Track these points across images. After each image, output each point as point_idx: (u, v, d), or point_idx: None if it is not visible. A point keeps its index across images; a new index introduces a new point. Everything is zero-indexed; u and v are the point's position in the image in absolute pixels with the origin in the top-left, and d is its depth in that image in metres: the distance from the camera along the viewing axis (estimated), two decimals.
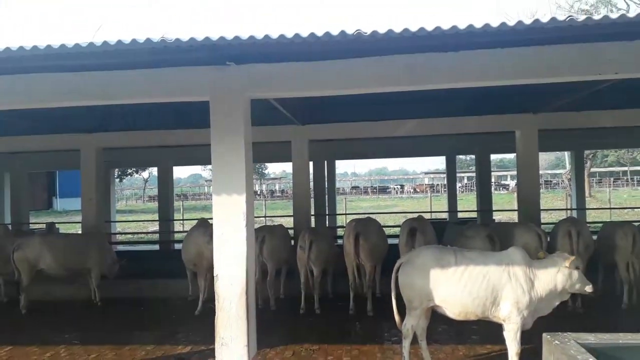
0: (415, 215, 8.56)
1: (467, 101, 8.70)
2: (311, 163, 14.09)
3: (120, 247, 15.02)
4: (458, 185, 52.57)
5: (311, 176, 14.10)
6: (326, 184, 16.97)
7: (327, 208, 16.28)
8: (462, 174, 52.23)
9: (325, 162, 16.68)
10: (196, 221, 8.73)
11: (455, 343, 6.36)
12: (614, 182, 53.23)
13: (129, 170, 33.26)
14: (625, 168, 52.07)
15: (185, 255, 8.31)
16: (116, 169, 23.70)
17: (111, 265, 9.40)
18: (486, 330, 6.42)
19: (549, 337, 4.43)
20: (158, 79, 4.72)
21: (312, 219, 12.85)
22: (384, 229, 9.19)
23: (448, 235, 8.49)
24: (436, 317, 5.64)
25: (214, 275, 4.49)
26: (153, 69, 4.68)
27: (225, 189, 4.49)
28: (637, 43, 4.47)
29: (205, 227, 8.04)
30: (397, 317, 5.50)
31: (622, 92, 9.00)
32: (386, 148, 16.06)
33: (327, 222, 15.59)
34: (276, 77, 4.54)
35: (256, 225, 6.85)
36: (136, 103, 5.70)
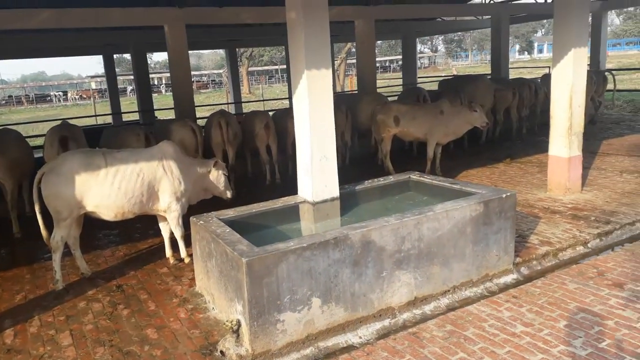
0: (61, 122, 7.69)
1: None
2: None
3: None
4: (129, 88, 50.33)
5: None
6: None
7: None
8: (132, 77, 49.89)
9: None
10: None
11: (116, 245, 6.30)
12: (269, 79, 60.09)
13: None
14: (277, 67, 59.08)
15: None
16: None
17: None
18: (148, 227, 6.59)
19: (194, 219, 4.81)
20: None
21: None
22: (28, 140, 8.03)
23: (105, 139, 8.01)
24: (93, 224, 5.39)
25: None
26: None
27: None
28: None
29: None
30: (44, 233, 5.03)
31: None
32: (27, 44, 13.50)
33: None
34: None
35: None
36: None
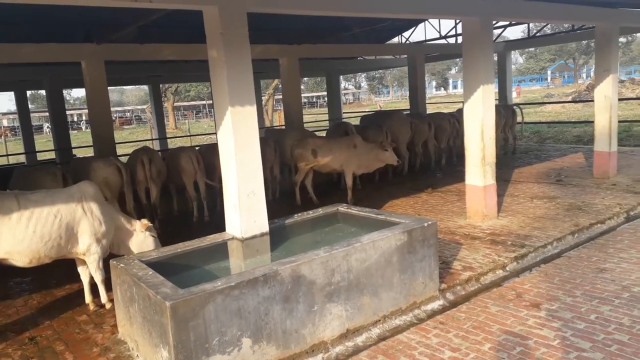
0: None
1: (24, 27, 7.57)
2: None
3: None
4: (46, 125, 47.45)
5: None
6: None
7: None
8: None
9: None
10: None
11: (29, 293, 5.83)
12: (196, 114, 59.35)
13: None
14: (204, 102, 58.52)
15: None
16: None
17: None
18: (65, 272, 6.15)
19: (114, 262, 4.57)
20: None
21: None
22: None
23: (16, 181, 7.47)
24: (2, 271, 4.97)
25: None
26: None
27: None
28: None
29: None
30: None
31: (179, 27, 9.73)
32: None
33: None
34: None
35: None
36: None
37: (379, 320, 4.56)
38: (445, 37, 15.57)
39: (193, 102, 61.52)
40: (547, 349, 3.92)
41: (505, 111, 12.94)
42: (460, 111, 13.05)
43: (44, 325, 4.94)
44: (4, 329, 4.90)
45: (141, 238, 5.36)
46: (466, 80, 7.36)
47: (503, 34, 22.35)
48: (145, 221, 5.40)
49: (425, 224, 4.92)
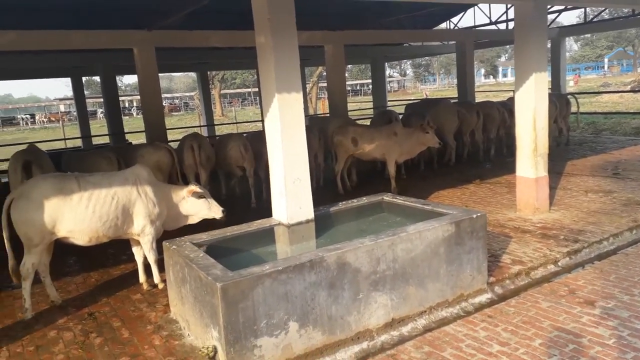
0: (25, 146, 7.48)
1: (75, 14, 7.83)
2: None
3: None
4: (100, 111, 49.48)
5: None
6: None
7: None
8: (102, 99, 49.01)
9: None
10: None
11: (87, 271, 6.12)
12: (242, 102, 60.16)
13: None
14: (250, 89, 59.22)
15: None
16: None
17: None
18: (120, 252, 6.43)
19: (167, 243, 4.73)
20: None
21: None
22: None
23: (70, 164, 7.83)
24: (63, 249, 5.25)
25: None
26: None
27: None
28: None
29: None
30: (11, 261, 4.85)
31: (226, 14, 9.84)
32: None
33: None
34: None
35: None
36: None
37: (425, 311, 4.53)
38: (496, 22, 15.10)
39: (239, 90, 62.32)
40: (602, 347, 3.79)
41: (558, 101, 12.40)
42: (511, 100, 12.63)
43: (102, 302, 5.18)
44: (65, 304, 5.18)
45: (190, 203, 5.46)
46: (518, 68, 7.10)
47: (557, 19, 21.41)
48: (191, 187, 5.48)
49: (474, 216, 4.82)
